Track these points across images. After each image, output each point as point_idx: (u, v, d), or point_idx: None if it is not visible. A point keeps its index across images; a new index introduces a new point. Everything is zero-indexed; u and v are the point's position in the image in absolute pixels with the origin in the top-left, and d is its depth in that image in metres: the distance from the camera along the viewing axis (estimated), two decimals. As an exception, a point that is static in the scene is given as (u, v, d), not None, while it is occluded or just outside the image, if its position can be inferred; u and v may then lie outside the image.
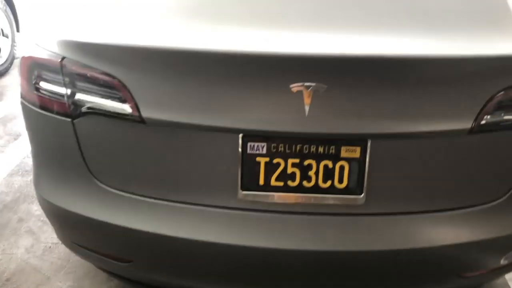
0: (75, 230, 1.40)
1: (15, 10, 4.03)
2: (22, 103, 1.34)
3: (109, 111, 1.19)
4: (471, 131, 1.15)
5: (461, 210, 1.24)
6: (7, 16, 3.93)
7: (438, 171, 1.21)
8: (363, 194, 1.19)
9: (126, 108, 1.17)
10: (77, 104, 1.22)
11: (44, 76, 1.26)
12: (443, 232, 1.24)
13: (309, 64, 1.09)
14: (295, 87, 1.08)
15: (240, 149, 1.17)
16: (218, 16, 1.22)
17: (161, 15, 1.23)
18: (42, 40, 1.29)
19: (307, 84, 1.08)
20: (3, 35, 3.93)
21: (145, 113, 1.16)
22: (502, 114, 1.17)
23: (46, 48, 1.26)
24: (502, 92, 1.15)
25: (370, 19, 1.21)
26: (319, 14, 1.22)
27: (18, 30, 4.12)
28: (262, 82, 1.12)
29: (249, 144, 1.16)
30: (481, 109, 1.14)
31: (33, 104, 1.29)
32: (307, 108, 1.10)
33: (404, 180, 1.21)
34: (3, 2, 3.87)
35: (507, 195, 1.25)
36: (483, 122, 1.15)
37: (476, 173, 1.22)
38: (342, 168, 1.18)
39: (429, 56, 1.11)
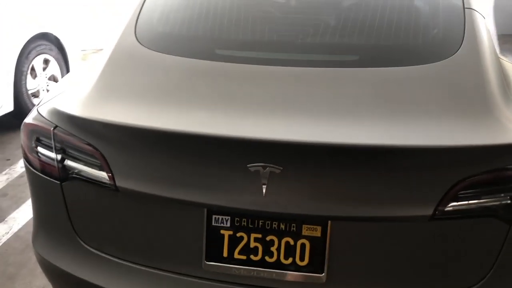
0: (63, 285, 1.49)
1: (67, 57, 4.37)
2: (24, 164, 1.47)
3: (90, 178, 1.29)
4: (432, 218, 1.14)
5: None
6: (59, 63, 4.26)
7: (400, 256, 1.20)
8: (324, 273, 1.20)
9: (104, 176, 1.26)
10: (65, 169, 1.33)
11: (40, 141, 1.38)
12: None
13: (266, 148, 1.14)
14: (251, 167, 1.13)
15: (205, 222, 1.22)
16: (190, 101, 1.31)
17: (139, 96, 1.34)
18: (42, 107, 1.43)
19: (262, 165, 1.13)
20: (55, 81, 4.26)
21: (119, 183, 1.24)
22: (464, 203, 1.15)
23: (44, 115, 1.39)
24: (463, 181, 1.14)
25: (334, 107, 1.24)
26: (283, 100, 1.27)
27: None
28: (224, 161, 1.18)
29: (213, 217, 1.22)
30: (442, 197, 1.14)
31: (32, 165, 1.42)
32: (264, 188, 1.14)
33: (367, 262, 1.20)
34: (56, 50, 4.22)
35: (480, 283, 1.21)
36: (444, 209, 1.14)
37: (441, 260, 1.20)
38: (303, 246, 1.20)
39: (390, 145, 1.12)
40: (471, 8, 1.56)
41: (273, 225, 1.20)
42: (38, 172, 1.39)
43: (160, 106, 1.28)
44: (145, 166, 1.23)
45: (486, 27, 1.55)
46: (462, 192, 1.15)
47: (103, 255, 1.35)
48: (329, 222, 1.17)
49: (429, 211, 1.14)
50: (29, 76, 3.88)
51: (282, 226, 1.20)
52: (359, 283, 1.21)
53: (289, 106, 1.24)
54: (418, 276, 1.21)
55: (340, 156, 1.14)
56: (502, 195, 1.17)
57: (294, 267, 1.21)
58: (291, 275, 1.21)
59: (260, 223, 1.21)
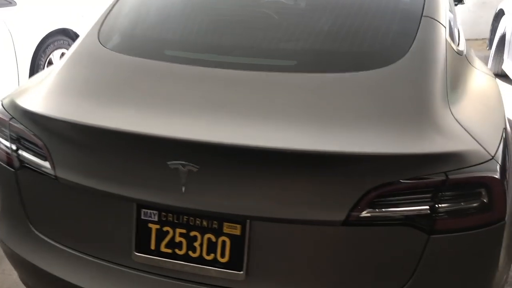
0: (22, 271, 1.59)
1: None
2: None
3: (36, 167, 1.38)
4: (344, 223, 1.16)
5: None
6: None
7: (316, 259, 1.22)
8: (243, 271, 1.23)
9: (46, 165, 1.35)
10: (19, 158, 1.43)
11: (0, 131, 1.48)
12: None
13: (186, 147, 1.19)
14: (172, 164, 1.18)
15: (135, 215, 1.28)
16: (127, 99, 1.37)
17: (86, 93, 1.42)
18: (5, 100, 1.53)
19: (182, 163, 1.17)
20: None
21: (59, 173, 1.32)
22: (379, 210, 1.16)
23: (5, 107, 1.49)
24: (378, 188, 1.15)
25: (261, 111, 1.27)
26: (214, 102, 1.31)
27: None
28: (149, 158, 1.24)
29: (142, 211, 1.28)
30: (356, 203, 1.15)
31: None
32: (183, 185, 1.19)
33: (284, 262, 1.23)
34: (76, 45, 4.40)
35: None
36: (357, 215, 1.15)
37: (356, 265, 1.21)
38: (224, 243, 1.24)
39: (307, 150, 1.15)
40: (430, 17, 1.55)
41: (196, 222, 1.25)
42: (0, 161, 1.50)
43: (101, 103, 1.35)
44: (82, 160, 1.31)
45: (445, 36, 1.54)
46: (378, 199, 1.16)
47: (50, 241, 1.43)
48: (248, 221, 1.21)
49: (341, 216, 1.15)
50: (46, 69, 4.07)
51: (205, 223, 1.24)
52: (278, 283, 1.24)
53: (218, 108, 1.28)
54: (333, 280, 1.23)
55: (258, 159, 1.17)
56: (420, 204, 1.18)
57: (215, 263, 1.25)
58: (213, 271, 1.25)
59: (185, 219, 1.25)
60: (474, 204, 1.20)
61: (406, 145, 1.17)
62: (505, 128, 1.40)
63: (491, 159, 1.22)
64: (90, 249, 1.37)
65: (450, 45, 1.56)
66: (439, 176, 1.16)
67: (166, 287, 1.29)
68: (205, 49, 1.54)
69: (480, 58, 5.77)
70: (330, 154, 1.15)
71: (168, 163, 1.18)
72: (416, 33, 1.47)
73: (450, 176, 1.16)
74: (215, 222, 1.24)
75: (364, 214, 1.16)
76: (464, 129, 1.26)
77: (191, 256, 1.26)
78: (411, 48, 1.41)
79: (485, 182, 1.19)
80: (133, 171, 1.26)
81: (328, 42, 1.48)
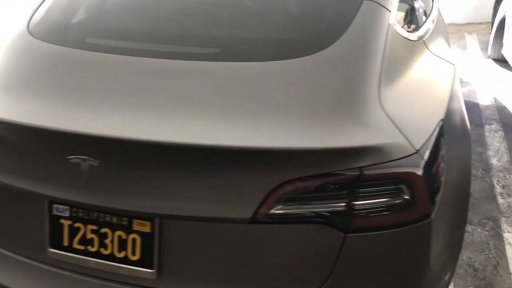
0: None
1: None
2: None
3: None
4: (252, 220, 1.10)
5: None
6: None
7: (228, 257, 1.16)
8: (154, 269, 1.19)
9: None
10: None
11: None
12: None
13: (87, 141, 1.14)
14: (72, 159, 1.14)
15: (47, 211, 1.24)
16: (39, 90, 1.32)
17: (5, 83, 1.37)
18: None
19: (82, 158, 1.12)
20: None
21: None
22: (288, 207, 1.10)
23: None
24: (285, 185, 1.08)
25: (172, 102, 1.21)
26: (124, 93, 1.25)
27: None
28: (56, 153, 1.20)
29: (54, 206, 1.23)
30: (263, 200, 1.09)
31: None
32: (87, 181, 1.14)
33: (196, 260, 1.18)
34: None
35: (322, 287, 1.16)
36: (266, 212, 1.09)
37: (270, 264, 1.15)
38: (134, 240, 1.19)
39: (212, 145, 1.09)
40: (374, 1, 1.45)
41: (107, 218, 1.20)
42: None
43: (13, 95, 1.31)
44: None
45: (388, 21, 1.45)
46: (288, 195, 1.09)
47: None
48: (156, 219, 1.16)
49: (248, 214, 1.09)
50: None
51: (115, 220, 1.20)
52: (190, 281, 1.19)
53: (127, 99, 1.23)
54: (247, 280, 1.17)
55: (163, 154, 1.12)
56: (334, 201, 1.11)
57: (127, 261, 1.20)
58: (124, 268, 1.21)
59: (95, 215, 1.21)
60: (394, 201, 1.12)
61: (320, 139, 1.10)
62: (443, 120, 1.31)
63: (414, 154, 1.14)
64: (9, 245, 1.34)
65: (395, 30, 1.47)
66: (353, 171, 1.09)
67: (80, 284, 1.26)
68: (126, 36, 1.48)
69: (484, 42, 5.63)
70: (236, 149, 1.08)
71: (68, 157, 1.13)
72: (353, 19, 1.38)
73: (365, 172, 1.09)
74: (125, 219, 1.19)
75: (273, 211, 1.10)
76: (391, 121, 1.18)
77: (103, 254, 1.22)
78: (344, 35, 1.33)
79: (405, 178, 1.12)
80: (42, 166, 1.22)
81: (256, 29, 1.41)
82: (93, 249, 1.23)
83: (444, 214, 1.28)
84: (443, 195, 1.23)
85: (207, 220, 1.13)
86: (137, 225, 1.18)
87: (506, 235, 2.46)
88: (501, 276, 2.18)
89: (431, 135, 1.22)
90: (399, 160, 1.12)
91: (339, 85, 1.21)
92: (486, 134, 3.57)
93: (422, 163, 1.14)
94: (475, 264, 2.25)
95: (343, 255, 1.13)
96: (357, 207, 1.11)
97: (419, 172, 1.12)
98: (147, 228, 1.17)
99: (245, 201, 1.09)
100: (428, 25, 1.95)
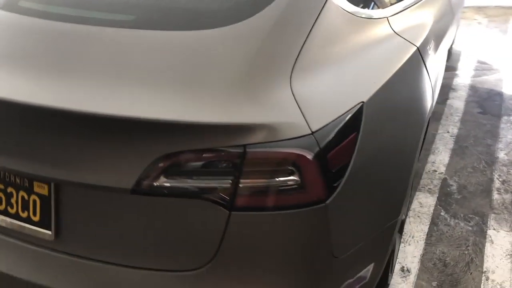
0: None
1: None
2: None
3: None
4: (134, 191, 1.09)
5: (160, 273, 1.18)
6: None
7: (117, 226, 1.17)
8: (51, 231, 1.22)
9: None
10: None
11: None
12: None
13: None
14: None
15: None
16: None
17: None
18: None
19: None
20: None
21: None
22: (170, 180, 1.08)
23: None
24: (165, 158, 1.06)
25: (69, 68, 1.20)
26: (28, 57, 1.26)
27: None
28: None
29: None
30: (144, 171, 1.08)
31: None
32: None
33: (89, 226, 1.19)
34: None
35: (201, 269, 1.14)
36: (147, 184, 1.08)
37: (157, 237, 1.15)
38: (34, 202, 1.22)
39: (98, 113, 1.08)
40: None
41: (11, 178, 1.24)
42: None
43: None
44: None
45: None
46: (170, 168, 1.08)
47: None
48: (51, 183, 1.18)
49: (129, 184, 1.09)
50: None
51: (18, 180, 1.23)
52: (84, 246, 1.21)
53: (28, 62, 1.23)
54: (132, 249, 1.18)
55: (52, 120, 1.12)
56: (217, 178, 1.08)
57: (29, 221, 1.24)
58: (27, 228, 1.25)
59: (1, 174, 1.25)
60: (280, 182, 1.08)
61: (208, 113, 1.07)
62: (364, 103, 1.24)
63: (308, 135, 1.09)
64: None
65: (338, 6, 1.39)
66: (237, 149, 1.06)
67: None
68: (53, 1, 1.48)
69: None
70: (119, 118, 1.07)
71: None
72: None
73: (250, 150, 1.06)
74: (26, 180, 1.22)
75: (155, 183, 1.09)
76: (295, 100, 1.13)
77: (9, 212, 1.26)
78: (267, 8, 1.27)
79: (293, 160, 1.07)
80: None
81: None
82: (1, 208, 1.27)
83: (354, 202, 1.22)
84: (350, 182, 1.17)
85: (94, 188, 1.13)
86: (37, 187, 1.21)
87: (490, 232, 2.32)
88: (471, 273, 2.07)
89: (337, 118, 1.15)
90: (289, 141, 1.07)
91: (245, 60, 1.17)
92: (502, 125, 3.35)
93: (316, 146, 1.08)
94: (447, 259, 2.15)
95: (229, 234, 1.11)
96: (241, 185, 1.08)
97: (309, 154, 1.07)
98: (45, 191, 1.20)
99: (127, 171, 1.09)
100: (404, 4, 1.84)
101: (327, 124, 1.12)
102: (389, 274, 1.73)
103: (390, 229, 1.44)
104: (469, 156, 2.99)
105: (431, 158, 2.98)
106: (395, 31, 1.65)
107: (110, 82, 1.15)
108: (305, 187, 1.09)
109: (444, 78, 4.21)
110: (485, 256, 2.17)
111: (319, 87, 1.21)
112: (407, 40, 1.64)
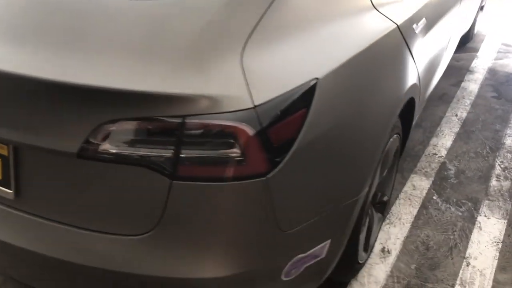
0: None
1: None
2: None
3: None
4: (79, 155, 1.13)
5: (107, 236, 1.22)
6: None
7: (68, 189, 1.21)
8: (12, 190, 1.27)
9: None
10: None
11: None
12: (88, 253, 1.24)
13: None
14: None
15: None
16: None
17: None
18: None
19: None
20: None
21: None
22: (112, 147, 1.11)
23: None
24: (108, 124, 1.09)
25: (32, 33, 1.23)
26: None
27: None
28: None
29: None
30: (88, 136, 1.11)
31: None
32: None
33: (43, 188, 1.24)
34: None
35: (151, 232, 1.18)
36: (92, 149, 1.11)
37: (103, 201, 1.18)
38: None
39: (40, 77, 1.11)
40: None
41: None
42: None
43: None
44: None
45: None
46: (113, 135, 1.10)
47: None
48: (10, 145, 1.23)
49: (74, 149, 1.12)
50: None
51: None
52: (41, 205, 1.27)
53: None
54: (80, 213, 1.22)
55: (7, 84, 1.16)
56: (159, 147, 1.10)
57: None
58: None
59: None
60: (220, 154, 1.10)
61: (150, 82, 1.09)
62: (318, 79, 1.23)
63: (249, 109, 1.09)
64: None
65: None
66: (177, 119, 1.08)
67: None
68: None
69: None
70: (65, 85, 1.10)
71: None
72: None
73: (189, 120, 1.07)
74: None
75: (99, 148, 1.12)
76: (243, 73, 1.13)
77: None
78: None
79: (231, 132, 1.08)
80: None
81: None
82: (-31, 166, 1.34)
83: (302, 178, 1.23)
84: (297, 158, 1.18)
85: (46, 151, 1.18)
86: None
87: (480, 218, 2.28)
88: (452, 258, 2.05)
89: (284, 93, 1.14)
90: (229, 113, 1.08)
91: (196, 30, 1.17)
92: (515, 111, 3.24)
93: (256, 120, 1.09)
94: (431, 242, 2.13)
95: (171, 202, 1.14)
96: (182, 155, 1.09)
97: (249, 128, 1.08)
98: (5, 152, 1.25)
99: (73, 136, 1.12)
100: None
101: (272, 99, 1.12)
102: (358, 252, 1.73)
103: (349, 207, 1.43)
104: (473, 140, 2.92)
105: (434, 140, 2.91)
106: (374, 4, 1.61)
107: (61, 49, 1.18)
108: (245, 160, 1.10)
109: (462, 60, 4.08)
110: (470, 242, 2.14)
111: (274, 61, 1.20)
112: (386, 17, 1.60)
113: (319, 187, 1.29)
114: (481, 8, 4.47)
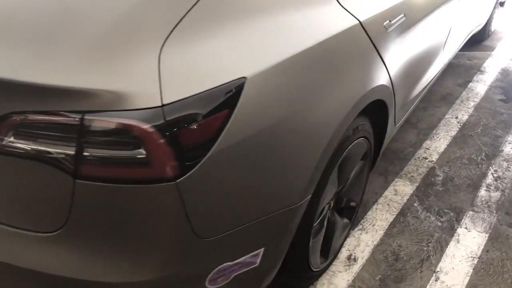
0: None
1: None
2: None
3: None
4: None
5: (18, 231, 1.17)
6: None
7: None
8: None
9: None
10: None
11: None
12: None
13: None
14: None
15: None
16: None
17: None
18: None
19: None
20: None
21: None
22: (14, 140, 1.05)
23: None
24: (9, 117, 1.03)
25: None
26: None
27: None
28: None
29: None
30: None
31: None
32: None
33: None
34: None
35: (59, 230, 1.12)
36: None
37: (13, 194, 1.13)
38: None
39: None
40: None
41: None
42: None
43: None
44: None
45: None
46: (13, 128, 1.04)
47: None
48: None
49: None
50: None
51: None
52: None
53: None
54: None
55: None
56: (61, 143, 1.04)
57: None
58: None
59: None
60: (122, 155, 1.02)
61: (53, 75, 1.02)
62: (246, 78, 1.13)
63: (157, 107, 1.01)
64: None
65: None
66: (77, 115, 1.01)
67: None
68: None
69: None
70: None
71: None
72: None
73: (88, 117, 1.00)
74: None
75: (2, 142, 1.07)
76: (159, 69, 1.04)
77: None
78: None
79: (133, 132, 1.00)
80: None
81: None
82: None
83: (222, 184, 1.14)
84: (216, 163, 1.09)
85: None
86: None
87: (460, 230, 2.15)
88: (421, 272, 1.93)
89: (201, 93, 1.06)
90: (134, 111, 1.00)
91: (113, 22, 1.09)
92: (521, 116, 3.05)
93: (163, 120, 1.01)
94: (401, 253, 2.02)
95: (77, 201, 1.07)
96: (84, 154, 1.02)
97: (152, 128, 0.99)
98: None
99: None
100: None
101: (184, 98, 1.04)
102: (310, 260, 1.64)
103: (287, 215, 1.34)
104: (470, 146, 2.76)
105: (427, 143, 2.77)
106: (340, 3, 1.49)
107: None
108: (151, 162, 1.02)
109: (475, 59, 3.87)
110: (444, 256, 2.01)
111: (199, 57, 1.11)
112: (348, 11, 1.48)
113: (244, 195, 1.21)
114: (501, 4, 4.22)
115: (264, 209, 1.27)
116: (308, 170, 1.34)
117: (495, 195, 2.37)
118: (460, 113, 3.09)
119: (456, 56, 3.88)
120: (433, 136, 2.84)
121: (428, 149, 2.72)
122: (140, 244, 1.13)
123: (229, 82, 1.10)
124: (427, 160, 2.62)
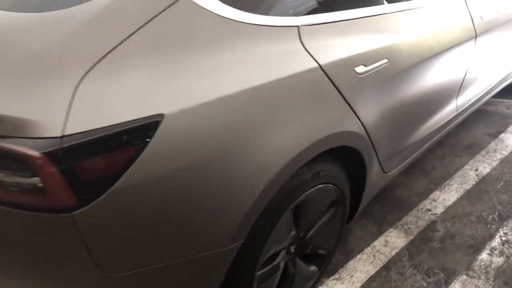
0: None
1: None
2: None
3: None
4: None
5: None
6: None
7: None
8: None
9: None
10: None
11: None
12: None
13: None
14: None
15: None
16: None
17: None
18: None
19: None
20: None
21: None
22: None
23: None
24: None
25: None
26: None
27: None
28: None
29: None
30: None
31: None
32: None
33: None
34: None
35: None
36: None
37: None
38: None
39: None
40: None
41: None
42: None
43: None
44: None
45: None
46: None
47: None
48: None
49: None
50: None
51: None
52: None
53: None
54: None
55: None
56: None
57: None
58: None
59: None
60: (17, 181, 1.03)
61: None
62: (164, 115, 1.10)
63: (55, 138, 1.00)
64: None
65: (194, 3, 1.24)
66: None
67: None
68: None
69: None
70: None
71: None
72: None
73: None
74: None
75: None
76: (71, 100, 1.03)
77: None
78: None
79: (28, 160, 1.00)
80: None
81: None
82: None
83: (130, 221, 1.11)
84: (123, 197, 1.07)
85: None
86: None
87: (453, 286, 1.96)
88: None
89: (109, 127, 1.03)
90: (28, 139, 0.99)
91: (41, 48, 1.11)
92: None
93: (60, 150, 1.00)
94: (373, 311, 1.88)
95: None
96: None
97: (46, 157, 0.99)
98: None
99: None
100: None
101: (88, 131, 1.03)
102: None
103: (209, 260, 1.28)
104: (483, 202, 2.54)
105: (435, 194, 2.59)
106: (301, 37, 1.42)
107: None
108: (46, 191, 1.02)
109: (513, 107, 3.60)
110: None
111: (119, 91, 1.09)
112: (309, 53, 1.41)
113: (158, 232, 1.17)
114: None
115: (183, 249, 1.23)
116: (235, 213, 1.28)
117: (498, 260, 2.15)
118: (482, 165, 2.87)
119: (493, 103, 3.64)
120: (444, 187, 2.65)
121: (434, 200, 2.54)
122: (37, 272, 1.12)
123: (141, 118, 1.08)
124: (430, 213, 2.45)
